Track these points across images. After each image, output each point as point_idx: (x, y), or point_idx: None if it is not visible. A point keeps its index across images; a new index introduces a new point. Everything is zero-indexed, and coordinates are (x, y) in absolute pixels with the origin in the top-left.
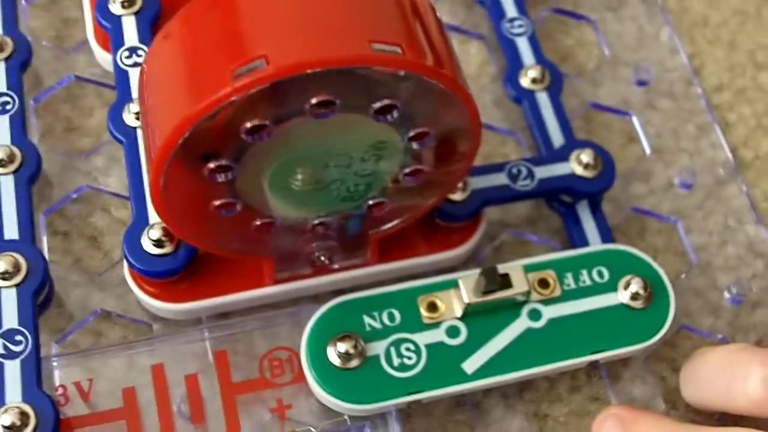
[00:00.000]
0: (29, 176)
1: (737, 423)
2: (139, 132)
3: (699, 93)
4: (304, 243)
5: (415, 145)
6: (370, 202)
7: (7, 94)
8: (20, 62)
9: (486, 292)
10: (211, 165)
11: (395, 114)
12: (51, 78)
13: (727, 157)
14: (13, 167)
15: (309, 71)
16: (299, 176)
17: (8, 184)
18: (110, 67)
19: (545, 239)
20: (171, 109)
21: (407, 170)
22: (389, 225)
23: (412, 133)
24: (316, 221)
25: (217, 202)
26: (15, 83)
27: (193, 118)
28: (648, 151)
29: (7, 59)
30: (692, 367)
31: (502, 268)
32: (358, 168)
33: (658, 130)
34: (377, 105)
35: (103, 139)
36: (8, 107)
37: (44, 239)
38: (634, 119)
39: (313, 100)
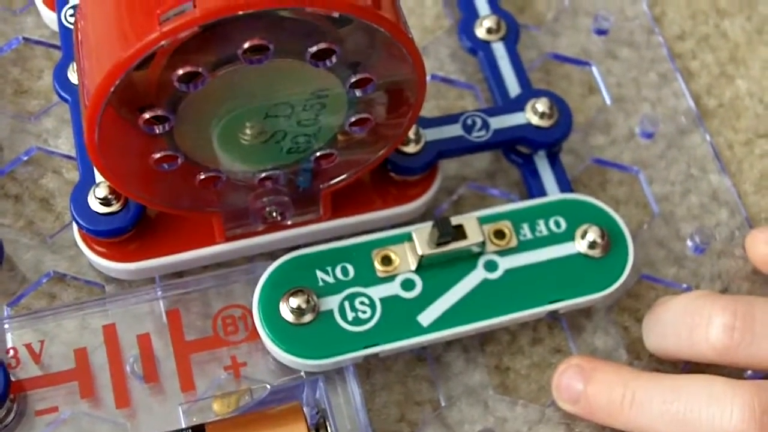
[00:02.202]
0: None
1: (702, 372)
2: None
3: (660, 41)
4: (254, 198)
5: (358, 93)
6: (318, 154)
7: None
8: None
9: (440, 244)
10: (147, 115)
11: (334, 59)
12: None
13: (690, 105)
14: None
15: (239, 13)
16: (248, 131)
17: None
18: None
19: (505, 192)
20: (101, 59)
21: (353, 119)
22: (339, 179)
23: (353, 80)
24: (263, 175)
25: (156, 155)
26: None
27: (123, 65)
28: (609, 101)
29: None
30: (654, 316)
31: (455, 220)
32: (302, 118)
33: (618, 80)
34: (313, 49)
35: (52, 101)
36: None
37: None
38: (594, 69)
39: (246, 45)
